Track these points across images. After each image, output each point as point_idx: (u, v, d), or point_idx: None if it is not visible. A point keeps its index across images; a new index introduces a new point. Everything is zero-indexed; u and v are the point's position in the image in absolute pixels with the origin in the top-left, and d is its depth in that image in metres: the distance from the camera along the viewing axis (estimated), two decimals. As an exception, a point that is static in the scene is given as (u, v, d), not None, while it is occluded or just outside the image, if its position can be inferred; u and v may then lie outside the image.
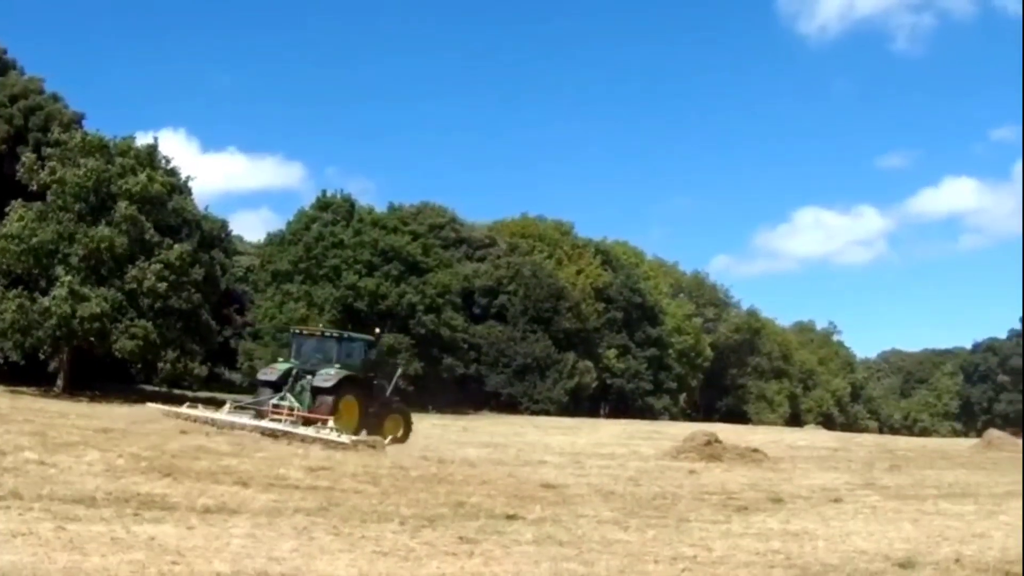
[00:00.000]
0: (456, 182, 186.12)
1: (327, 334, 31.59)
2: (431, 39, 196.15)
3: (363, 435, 25.89)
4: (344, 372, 28.71)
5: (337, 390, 28.19)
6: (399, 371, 36.49)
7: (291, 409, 28.03)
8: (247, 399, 33.35)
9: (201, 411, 28.56)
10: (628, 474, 23.64)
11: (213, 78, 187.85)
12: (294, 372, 29.19)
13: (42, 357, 46.03)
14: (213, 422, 26.43)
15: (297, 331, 32.73)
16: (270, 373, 30.03)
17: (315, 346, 30.54)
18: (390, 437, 27.18)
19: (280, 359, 32.44)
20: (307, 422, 26.76)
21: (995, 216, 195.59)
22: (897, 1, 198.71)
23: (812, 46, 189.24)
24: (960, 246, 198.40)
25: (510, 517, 14.81)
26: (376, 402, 29.91)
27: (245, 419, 27.16)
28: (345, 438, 24.37)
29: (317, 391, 28.24)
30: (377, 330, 34.27)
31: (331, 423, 26.14)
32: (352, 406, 28.61)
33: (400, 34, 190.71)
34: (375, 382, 30.64)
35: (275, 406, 28.40)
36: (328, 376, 28.35)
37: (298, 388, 28.73)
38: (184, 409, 28.90)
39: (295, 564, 10.35)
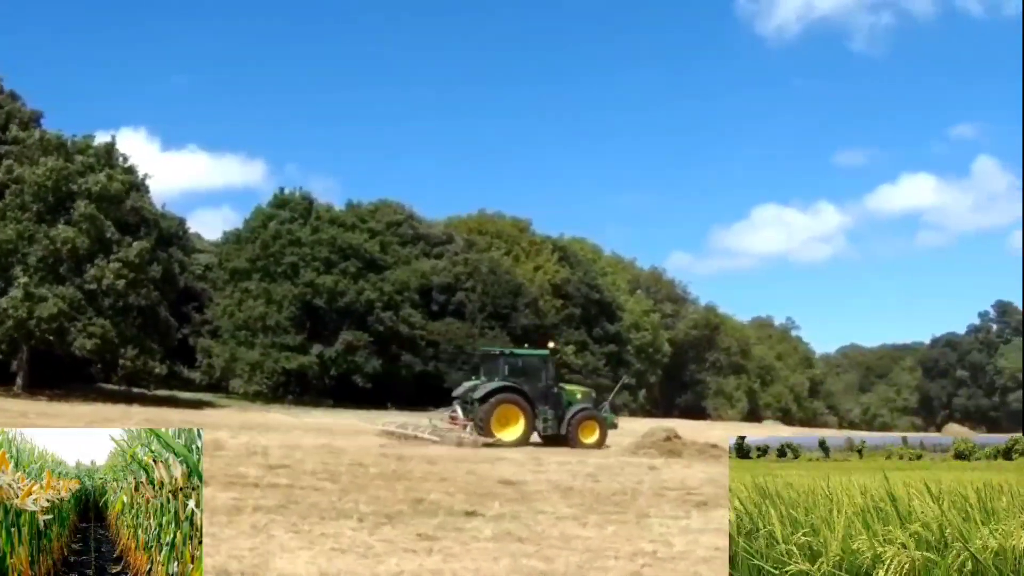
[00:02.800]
0: (414, 178, 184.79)
1: (493, 352, 36.45)
2: (389, 36, 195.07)
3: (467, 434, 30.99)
4: (498, 383, 32.76)
5: (487, 399, 32.18)
6: (622, 381, 46.34)
7: (454, 418, 33.04)
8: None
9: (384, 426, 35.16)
10: (587, 470, 23.65)
11: (173, 76, 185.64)
12: (477, 387, 33.44)
13: (0, 357, 45.65)
14: (392, 434, 32.71)
15: (483, 351, 38.52)
16: (459, 389, 34.88)
17: (488, 363, 35.13)
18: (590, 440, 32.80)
19: (473, 377, 36.32)
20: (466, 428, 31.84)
21: (953, 212, 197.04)
22: (856, 1, 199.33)
23: (771, 45, 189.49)
24: (918, 242, 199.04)
25: (469, 514, 14.79)
26: (561, 409, 33.44)
27: (408, 430, 32.77)
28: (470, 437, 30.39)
29: (476, 401, 32.35)
30: (551, 344, 36.86)
31: (469, 427, 31.34)
32: (513, 412, 32.53)
33: (360, 31, 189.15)
34: (555, 390, 33.91)
35: (451, 417, 33.36)
36: (483, 389, 32.65)
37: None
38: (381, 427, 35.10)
39: (254, 562, 10.31)
